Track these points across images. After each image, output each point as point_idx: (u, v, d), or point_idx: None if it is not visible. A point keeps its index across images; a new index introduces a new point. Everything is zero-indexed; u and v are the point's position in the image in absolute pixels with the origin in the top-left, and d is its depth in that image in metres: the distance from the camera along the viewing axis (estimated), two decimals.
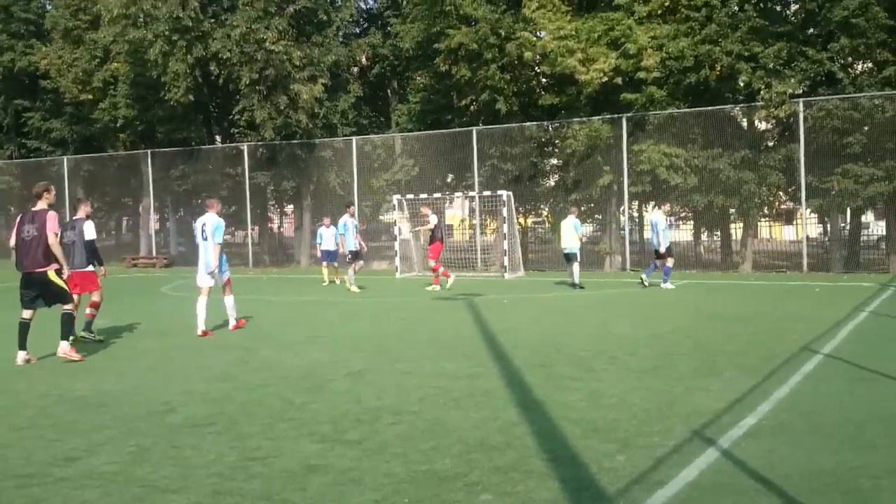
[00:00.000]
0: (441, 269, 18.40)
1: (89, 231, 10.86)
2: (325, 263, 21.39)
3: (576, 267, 18.09)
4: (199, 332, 11.00)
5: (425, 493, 4.38)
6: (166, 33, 26.66)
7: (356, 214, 19.33)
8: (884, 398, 6.35)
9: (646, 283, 17.62)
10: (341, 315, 13.71)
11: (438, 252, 18.42)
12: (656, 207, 18.37)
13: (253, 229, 33.06)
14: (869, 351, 8.64)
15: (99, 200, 41.08)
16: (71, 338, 9.38)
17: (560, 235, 18.65)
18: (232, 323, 11.76)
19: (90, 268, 10.87)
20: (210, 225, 11.22)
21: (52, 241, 8.87)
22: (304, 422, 6.04)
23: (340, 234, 18.86)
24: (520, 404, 6.46)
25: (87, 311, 10.93)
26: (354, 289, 18.12)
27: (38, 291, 9.05)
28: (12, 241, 9.11)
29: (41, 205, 9.08)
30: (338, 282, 20.82)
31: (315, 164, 29.67)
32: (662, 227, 17.70)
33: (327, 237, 21.13)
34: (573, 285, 17.83)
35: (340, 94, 29.24)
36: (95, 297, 11.01)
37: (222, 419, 6.18)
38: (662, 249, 17.59)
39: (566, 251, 18.30)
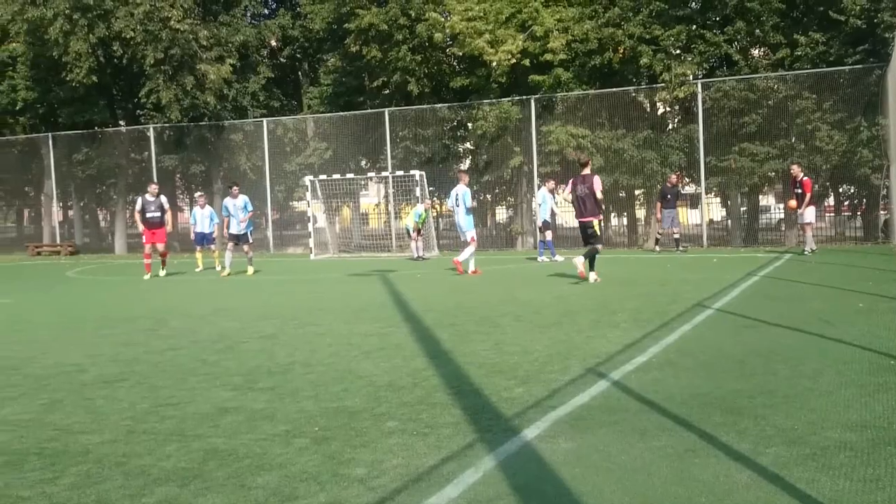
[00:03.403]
0: None
1: None
2: (198, 247, 19.29)
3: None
4: (471, 272, 15.01)
5: (335, 423, 4.59)
6: (66, 11, 25.79)
7: (238, 196, 17.13)
8: (762, 339, 6.87)
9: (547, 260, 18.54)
10: (249, 290, 13.74)
11: None
12: (542, 185, 19.27)
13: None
14: (755, 305, 9.25)
15: None
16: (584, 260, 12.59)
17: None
18: (471, 269, 15.14)
19: None
20: (460, 194, 15.30)
21: (599, 196, 12.19)
22: (216, 375, 6.15)
23: (224, 216, 17.29)
24: (428, 354, 6.72)
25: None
26: (223, 273, 17.00)
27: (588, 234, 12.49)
28: (567, 194, 12.77)
29: (586, 171, 12.41)
30: (217, 267, 18.52)
31: (225, 147, 29.24)
32: (549, 203, 18.83)
33: (201, 218, 19.03)
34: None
35: (250, 75, 28.87)
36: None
37: (133, 376, 6.23)
38: (540, 223, 18.87)
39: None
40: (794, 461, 3.65)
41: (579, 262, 12.67)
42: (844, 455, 3.71)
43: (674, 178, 21.45)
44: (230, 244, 17.36)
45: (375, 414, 4.78)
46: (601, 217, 12.54)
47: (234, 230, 17.05)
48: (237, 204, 16.92)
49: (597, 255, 12.65)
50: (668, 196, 20.84)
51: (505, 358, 6.41)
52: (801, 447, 3.86)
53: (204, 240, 19.16)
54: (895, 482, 3.33)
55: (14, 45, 29.23)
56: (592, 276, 12.51)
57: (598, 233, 12.60)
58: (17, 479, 3.78)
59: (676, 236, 21.09)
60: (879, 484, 3.31)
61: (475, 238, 15.55)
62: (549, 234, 19.00)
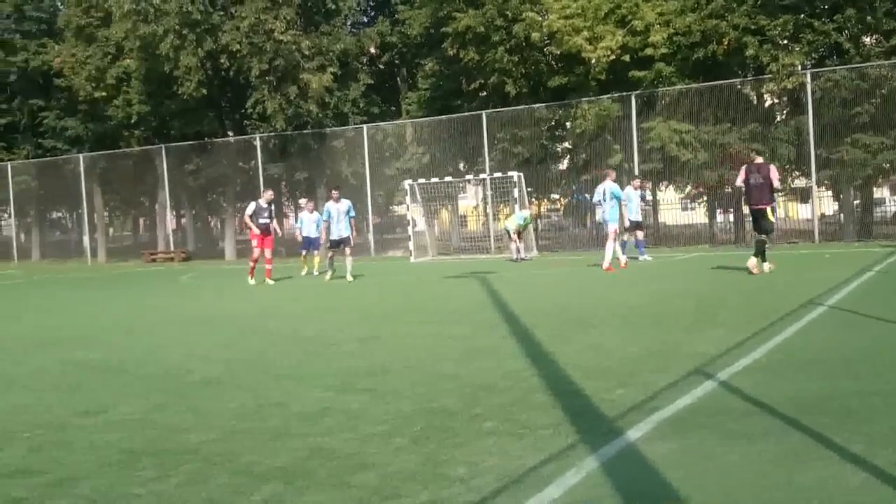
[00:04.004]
0: None
1: None
2: (304, 252, 19.53)
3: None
4: (622, 265, 15.79)
5: (433, 424, 4.63)
6: (176, 27, 26.94)
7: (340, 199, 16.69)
8: (874, 338, 6.54)
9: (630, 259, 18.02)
10: (349, 293, 14.00)
11: None
12: (628, 183, 18.65)
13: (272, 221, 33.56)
14: (870, 302, 8.82)
15: (115, 198, 41.61)
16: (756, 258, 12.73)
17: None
18: (605, 265, 15.50)
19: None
20: (608, 190, 15.78)
21: (776, 185, 12.98)
22: (315, 376, 6.28)
23: (324, 219, 16.98)
24: (524, 355, 6.69)
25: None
26: (326, 277, 16.91)
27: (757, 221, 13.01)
28: (739, 182, 13.02)
29: (760, 159, 13.13)
30: (316, 273, 18.83)
31: (327, 154, 29.95)
32: (636, 201, 18.36)
33: (309, 223, 19.27)
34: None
35: (350, 82, 29.47)
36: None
37: (236, 377, 6.44)
38: (627, 223, 18.07)
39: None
40: None
41: (751, 263, 12.71)
42: None
43: None
44: (330, 252, 16.94)
45: (472, 415, 4.79)
46: (774, 204, 13.01)
47: (334, 236, 16.65)
48: (340, 209, 16.51)
49: (766, 246, 12.99)
50: None
51: (603, 359, 6.32)
52: None
53: (311, 244, 19.34)
54: None
55: (128, 61, 30.74)
56: (767, 265, 12.77)
57: (772, 219, 13.00)
58: (131, 478, 3.95)
59: None
60: None
61: (617, 231, 15.95)
62: (636, 235, 18.55)
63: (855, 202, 25.39)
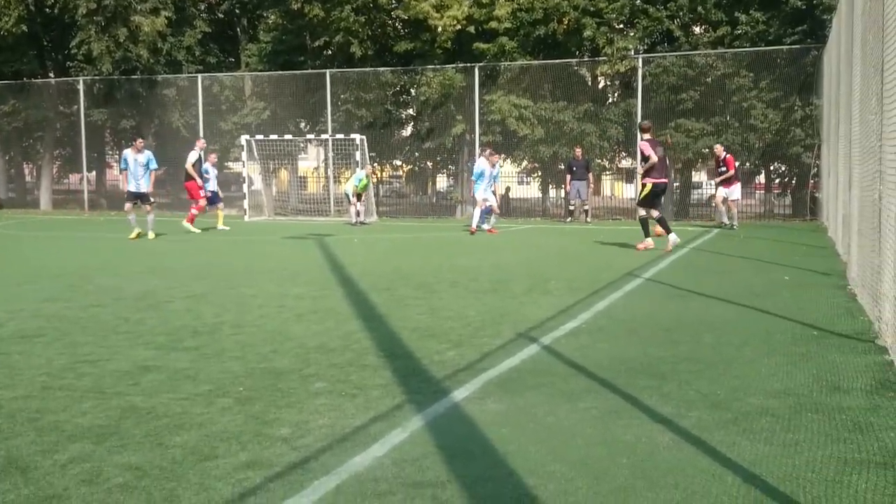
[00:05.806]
0: None
1: None
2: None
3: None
4: (473, 228, 16.81)
5: (261, 384, 4.50)
6: None
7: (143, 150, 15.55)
8: (691, 310, 6.99)
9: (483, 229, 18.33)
10: (179, 251, 13.42)
11: None
12: (481, 155, 18.77)
13: (90, 172, 31.50)
14: (684, 276, 9.41)
15: None
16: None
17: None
18: (474, 226, 16.88)
19: None
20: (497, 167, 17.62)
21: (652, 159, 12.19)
22: (138, 334, 5.97)
23: (122, 168, 15.67)
24: (361, 318, 6.65)
25: None
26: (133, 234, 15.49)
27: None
28: (655, 157, 12.06)
29: (649, 136, 12.47)
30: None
31: (157, 102, 28.34)
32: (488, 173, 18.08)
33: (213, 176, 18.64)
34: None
35: (185, 29, 28.00)
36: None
37: (53, 332, 6.02)
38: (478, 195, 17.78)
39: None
40: (715, 425, 3.71)
41: (673, 238, 12.36)
42: (765, 420, 3.79)
43: (579, 151, 21.92)
44: (128, 204, 15.69)
45: (303, 375, 4.70)
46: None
47: (132, 188, 15.39)
48: (139, 160, 15.34)
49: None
50: (574, 168, 21.47)
51: (439, 322, 6.39)
52: (723, 412, 3.93)
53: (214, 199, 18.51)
54: (813, 447, 3.41)
55: None
56: (650, 241, 12.60)
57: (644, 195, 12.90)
58: None
59: (586, 208, 22.01)
60: (798, 448, 3.39)
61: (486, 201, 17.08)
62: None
63: (675, 184, 27.05)
